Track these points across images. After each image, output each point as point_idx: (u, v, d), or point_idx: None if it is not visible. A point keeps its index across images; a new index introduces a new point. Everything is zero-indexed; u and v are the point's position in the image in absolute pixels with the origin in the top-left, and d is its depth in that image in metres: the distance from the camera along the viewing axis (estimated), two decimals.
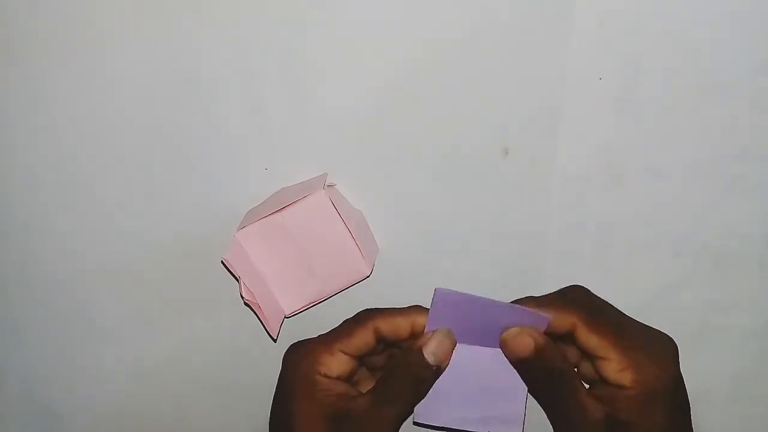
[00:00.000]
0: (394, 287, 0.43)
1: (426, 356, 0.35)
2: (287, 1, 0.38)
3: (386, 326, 0.36)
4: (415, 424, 0.37)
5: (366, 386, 0.37)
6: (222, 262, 0.38)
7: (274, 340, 0.40)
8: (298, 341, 0.39)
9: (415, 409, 0.37)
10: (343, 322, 0.38)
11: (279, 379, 0.38)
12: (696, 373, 0.43)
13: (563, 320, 0.36)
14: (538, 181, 0.40)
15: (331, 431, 0.35)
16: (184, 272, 0.44)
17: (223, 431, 0.49)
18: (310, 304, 0.41)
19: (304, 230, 0.39)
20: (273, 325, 0.39)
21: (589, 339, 0.36)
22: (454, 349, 0.36)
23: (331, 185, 0.40)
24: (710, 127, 0.39)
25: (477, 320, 0.36)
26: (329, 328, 0.38)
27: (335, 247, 0.39)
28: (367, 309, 0.37)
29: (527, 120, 0.39)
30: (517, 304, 0.36)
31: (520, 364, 0.36)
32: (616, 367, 0.35)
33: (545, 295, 0.37)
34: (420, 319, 0.36)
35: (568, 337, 0.36)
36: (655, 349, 0.36)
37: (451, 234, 0.42)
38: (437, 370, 0.36)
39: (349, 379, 0.38)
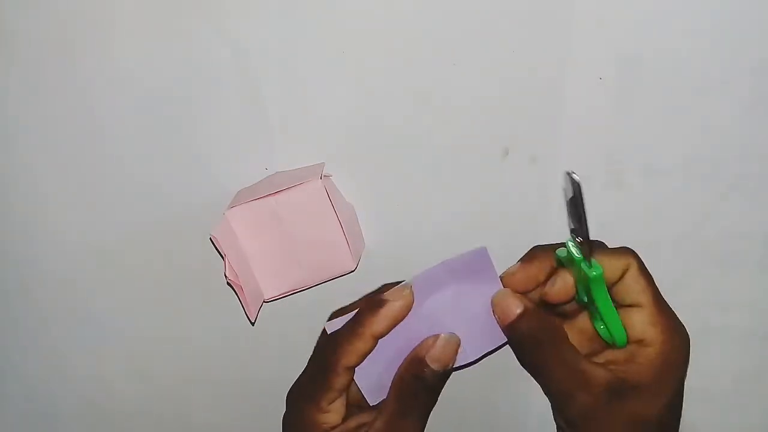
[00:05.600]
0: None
1: (430, 364, 0.35)
2: (287, 1, 0.38)
3: (353, 358, 0.36)
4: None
5: None
6: (210, 239, 0.38)
7: (252, 323, 0.40)
8: (291, 394, 0.38)
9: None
10: (313, 363, 0.38)
11: None
12: (696, 373, 0.43)
13: (619, 260, 0.35)
14: (538, 181, 0.40)
15: None
16: (185, 273, 0.44)
17: (223, 431, 0.49)
18: (290, 291, 0.41)
19: (296, 217, 0.39)
20: (252, 308, 0.39)
21: (638, 281, 0.35)
22: (458, 350, 0.36)
23: (327, 176, 0.40)
24: (710, 127, 0.39)
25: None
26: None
27: (324, 238, 0.39)
28: (327, 350, 0.36)
29: (527, 120, 0.39)
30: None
31: (510, 329, 0.35)
32: (646, 319, 0.34)
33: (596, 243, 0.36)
34: (377, 327, 0.35)
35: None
36: (682, 328, 0.36)
37: (450, 234, 0.42)
38: (444, 375, 0.36)
39: (350, 409, 0.37)
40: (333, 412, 0.37)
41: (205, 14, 0.39)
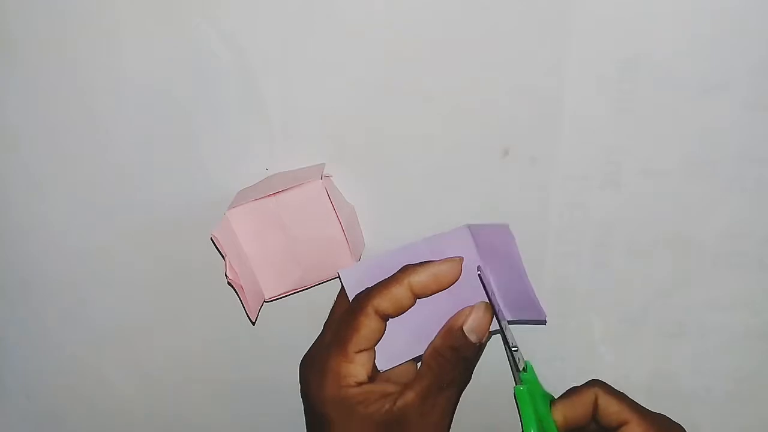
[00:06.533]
0: None
1: (467, 335, 0.35)
2: (287, 1, 0.38)
3: (386, 303, 0.35)
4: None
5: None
6: (211, 238, 0.38)
7: (253, 323, 0.40)
8: (308, 357, 0.37)
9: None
10: (338, 314, 0.37)
11: (307, 408, 0.36)
12: (696, 373, 0.43)
13: (586, 395, 0.37)
14: (538, 181, 0.40)
15: None
16: (185, 273, 0.44)
17: (223, 431, 0.49)
18: (290, 291, 0.41)
19: (296, 217, 0.39)
20: (252, 308, 0.39)
21: (610, 404, 0.36)
22: (491, 322, 0.36)
23: (327, 176, 0.40)
24: (710, 127, 0.39)
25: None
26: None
27: (324, 238, 0.39)
28: (358, 294, 0.36)
29: (527, 120, 0.39)
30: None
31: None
32: (637, 430, 0.35)
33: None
34: (415, 278, 0.35)
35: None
36: (670, 421, 0.37)
37: None
38: (480, 348, 0.35)
39: (375, 370, 0.36)
40: (358, 364, 0.35)
41: (205, 14, 0.39)
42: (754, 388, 0.44)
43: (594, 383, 0.38)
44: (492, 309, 0.36)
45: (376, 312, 0.35)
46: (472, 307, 0.36)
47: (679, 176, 0.40)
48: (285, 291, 0.41)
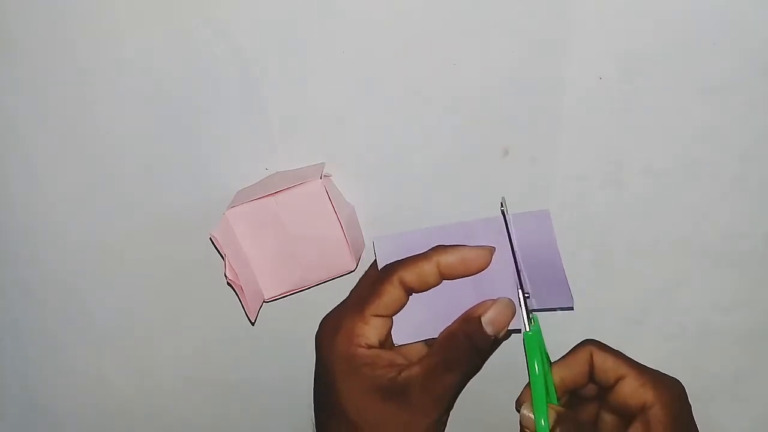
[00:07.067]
0: None
1: (484, 326, 0.35)
2: (287, 1, 0.38)
3: (411, 275, 0.35)
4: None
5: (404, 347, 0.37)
6: (210, 238, 0.38)
7: (252, 323, 0.40)
8: (328, 315, 0.38)
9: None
10: (365, 280, 0.38)
11: (317, 360, 0.37)
12: (696, 373, 0.43)
13: (581, 354, 0.37)
14: (538, 181, 0.40)
15: (386, 403, 0.34)
16: (185, 273, 0.44)
17: (223, 431, 0.49)
18: (290, 291, 0.41)
19: (296, 217, 0.39)
20: (252, 308, 0.39)
21: (606, 360, 0.37)
22: (513, 318, 0.36)
23: (327, 176, 0.40)
24: (710, 127, 0.39)
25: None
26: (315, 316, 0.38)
27: (324, 238, 0.39)
28: (388, 263, 0.37)
29: (527, 120, 0.39)
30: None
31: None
32: (634, 384, 0.36)
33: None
34: (444, 258, 0.35)
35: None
36: (667, 376, 0.37)
37: None
38: (495, 341, 0.35)
39: (388, 340, 0.37)
40: (373, 327, 0.35)
41: (205, 14, 0.39)
42: (754, 388, 0.44)
43: (588, 342, 0.38)
44: (512, 252, 0.36)
45: (401, 282, 0.35)
46: (495, 300, 0.36)
47: (679, 176, 0.40)
48: (285, 291, 0.41)
